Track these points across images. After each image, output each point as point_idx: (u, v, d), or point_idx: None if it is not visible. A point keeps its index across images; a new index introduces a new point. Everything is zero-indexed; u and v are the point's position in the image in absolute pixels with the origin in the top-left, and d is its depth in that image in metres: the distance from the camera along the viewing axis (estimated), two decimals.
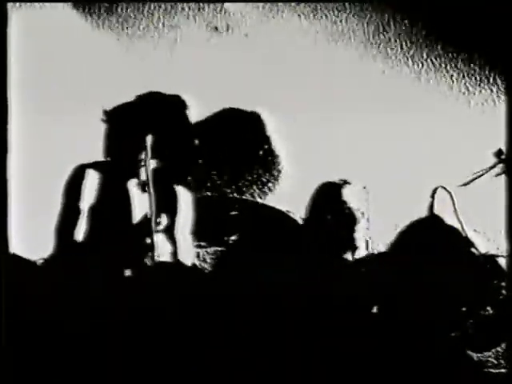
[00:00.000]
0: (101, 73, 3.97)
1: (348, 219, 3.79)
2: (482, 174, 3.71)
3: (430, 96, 4.11)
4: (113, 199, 3.54)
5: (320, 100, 4.11)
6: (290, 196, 4.00)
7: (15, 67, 3.83)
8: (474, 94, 4.07)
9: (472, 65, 4.07)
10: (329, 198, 3.83)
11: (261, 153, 4.08)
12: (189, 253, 3.57)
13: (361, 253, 3.83)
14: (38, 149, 3.94)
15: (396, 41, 4.12)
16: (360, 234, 3.82)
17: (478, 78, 4.07)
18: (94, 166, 3.62)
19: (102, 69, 3.98)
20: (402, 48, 4.11)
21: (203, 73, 4.08)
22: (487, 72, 4.07)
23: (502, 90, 4.03)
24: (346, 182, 3.87)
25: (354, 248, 3.78)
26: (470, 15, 4.01)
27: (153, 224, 3.43)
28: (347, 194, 3.84)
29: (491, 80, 4.06)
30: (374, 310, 3.59)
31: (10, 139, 3.72)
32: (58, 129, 3.92)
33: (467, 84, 4.08)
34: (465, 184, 3.75)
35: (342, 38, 4.14)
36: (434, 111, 4.10)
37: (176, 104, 3.82)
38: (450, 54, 4.08)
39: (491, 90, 4.05)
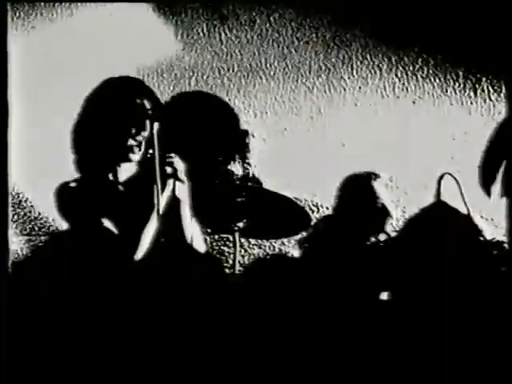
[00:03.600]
0: (101, 72, 3.97)
1: (378, 213, 3.83)
2: None
3: (436, 83, 4.13)
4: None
5: (327, 86, 4.13)
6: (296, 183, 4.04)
7: (15, 67, 3.82)
8: (481, 81, 4.09)
9: (478, 52, 4.09)
10: (357, 190, 3.86)
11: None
12: (199, 239, 3.55)
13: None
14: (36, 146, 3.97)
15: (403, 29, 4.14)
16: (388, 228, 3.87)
17: (484, 65, 4.09)
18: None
19: (101, 68, 3.98)
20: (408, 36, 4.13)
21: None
22: (493, 59, 4.09)
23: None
24: (375, 175, 3.89)
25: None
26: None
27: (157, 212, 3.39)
28: (377, 187, 3.86)
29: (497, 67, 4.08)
30: (384, 296, 3.60)
31: (9, 142, 3.71)
32: (56, 127, 3.93)
33: (474, 71, 4.10)
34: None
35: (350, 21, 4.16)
36: (439, 98, 4.12)
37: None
38: (457, 43, 4.10)
39: (498, 77, 4.08)
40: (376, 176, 3.86)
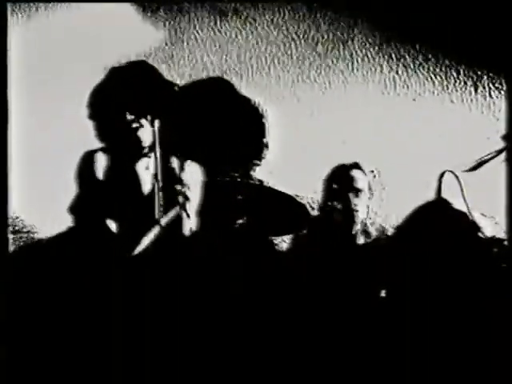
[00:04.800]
0: (100, 71, 3.97)
1: (356, 200, 3.84)
2: (490, 159, 3.72)
3: (436, 81, 4.12)
4: (122, 181, 3.55)
5: (328, 83, 4.13)
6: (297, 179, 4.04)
7: (15, 66, 3.82)
8: (482, 78, 4.09)
9: (479, 49, 4.09)
10: (338, 179, 3.86)
11: (265, 141, 4.10)
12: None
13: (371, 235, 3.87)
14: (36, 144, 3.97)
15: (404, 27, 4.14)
16: (366, 216, 3.86)
17: (484, 62, 4.08)
18: (102, 150, 3.62)
19: (101, 67, 3.98)
20: (409, 33, 4.13)
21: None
22: (493, 57, 4.09)
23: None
24: (356, 165, 3.89)
25: (365, 231, 3.83)
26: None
27: (158, 208, 3.41)
28: (357, 176, 3.87)
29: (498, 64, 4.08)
30: (382, 293, 3.60)
31: (9, 140, 3.72)
32: (56, 126, 3.94)
33: (475, 68, 4.10)
34: (471, 169, 3.76)
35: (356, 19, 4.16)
36: (439, 95, 4.12)
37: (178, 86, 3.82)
38: (457, 40, 4.10)
39: (498, 74, 4.07)
40: (356, 166, 3.88)
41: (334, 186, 3.87)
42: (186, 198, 3.43)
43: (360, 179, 3.87)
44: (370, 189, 3.90)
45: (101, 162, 3.58)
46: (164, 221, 3.39)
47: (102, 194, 3.52)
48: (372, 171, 3.93)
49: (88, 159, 3.58)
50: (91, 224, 3.49)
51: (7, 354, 3.43)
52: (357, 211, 3.84)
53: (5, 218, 3.59)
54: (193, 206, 3.56)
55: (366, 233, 3.88)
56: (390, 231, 3.89)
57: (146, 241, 3.39)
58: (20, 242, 3.94)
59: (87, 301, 3.38)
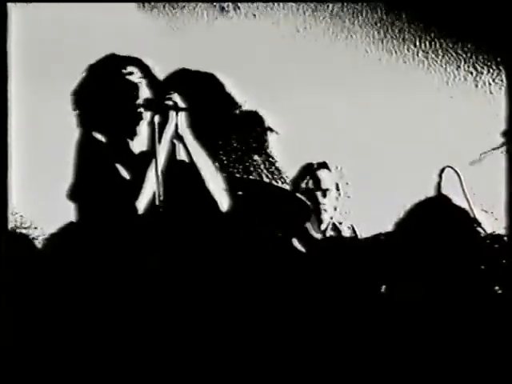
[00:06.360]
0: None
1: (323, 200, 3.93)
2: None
3: (437, 76, 4.13)
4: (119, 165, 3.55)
5: (318, 82, 4.14)
6: None
7: (15, 66, 3.83)
8: (482, 74, 4.09)
9: (479, 45, 4.09)
10: (306, 179, 3.93)
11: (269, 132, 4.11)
12: None
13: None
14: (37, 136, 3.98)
15: (404, 22, 4.14)
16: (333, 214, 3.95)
17: (485, 58, 4.08)
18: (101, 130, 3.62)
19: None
20: (410, 29, 4.13)
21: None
22: (494, 53, 4.09)
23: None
24: (323, 164, 3.95)
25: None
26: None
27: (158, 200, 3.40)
28: (324, 175, 3.95)
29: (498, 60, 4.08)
30: (382, 289, 3.60)
31: (10, 139, 3.73)
32: (56, 125, 3.96)
33: (475, 64, 4.10)
34: (474, 163, 3.77)
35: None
36: (439, 91, 4.12)
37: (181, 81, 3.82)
38: (457, 36, 4.10)
39: (499, 70, 4.07)
40: (323, 165, 3.93)
41: (302, 185, 3.93)
42: (174, 101, 3.45)
43: (326, 179, 3.92)
44: (337, 188, 3.97)
45: (101, 148, 3.57)
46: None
47: (102, 180, 3.50)
48: (339, 169, 4.00)
49: (88, 144, 3.56)
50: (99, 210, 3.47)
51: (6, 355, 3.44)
52: (325, 210, 3.94)
53: (4, 216, 3.60)
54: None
55: (335, 231, 3.96)
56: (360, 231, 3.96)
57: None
58: (20, 238, 3.96)
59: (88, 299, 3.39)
